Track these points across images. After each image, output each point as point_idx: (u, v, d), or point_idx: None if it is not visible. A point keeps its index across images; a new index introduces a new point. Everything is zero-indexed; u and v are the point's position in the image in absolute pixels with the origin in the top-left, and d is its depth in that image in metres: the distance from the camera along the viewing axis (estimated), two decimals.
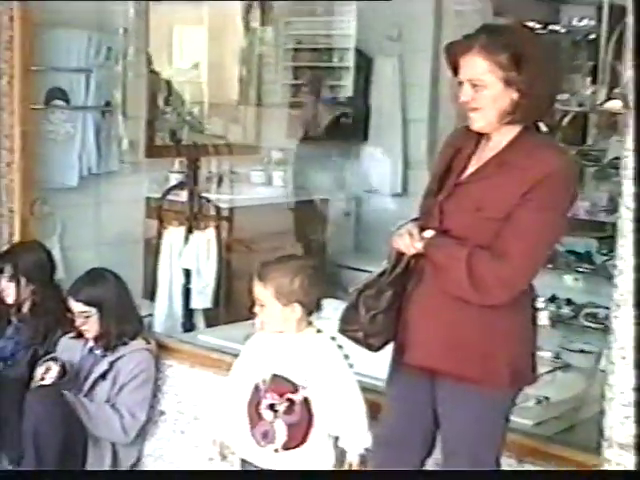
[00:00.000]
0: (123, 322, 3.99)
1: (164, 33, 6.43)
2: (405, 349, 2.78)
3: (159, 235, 4.81)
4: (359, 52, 6.52)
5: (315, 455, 3.01)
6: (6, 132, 4.56)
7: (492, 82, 2.61)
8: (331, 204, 6.10)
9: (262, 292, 2.99)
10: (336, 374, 2.98)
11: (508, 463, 3.08)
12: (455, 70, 2.71)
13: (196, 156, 5.54)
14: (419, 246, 2.69)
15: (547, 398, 3.59)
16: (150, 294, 4.78)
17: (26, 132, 4.60)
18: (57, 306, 4.21)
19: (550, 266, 4.88)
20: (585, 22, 5.83)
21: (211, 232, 4.74)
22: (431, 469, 2.90)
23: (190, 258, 4.67)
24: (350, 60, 6.62)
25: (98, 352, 4.02)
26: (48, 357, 4.00)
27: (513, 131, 2.68)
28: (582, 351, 4.36)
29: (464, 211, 2.67)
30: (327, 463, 3.02)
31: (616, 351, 2.64)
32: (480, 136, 2.74)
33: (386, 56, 6.40)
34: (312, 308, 3.06)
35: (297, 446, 2.98)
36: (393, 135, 6.39)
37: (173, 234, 4.74)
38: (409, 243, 2.70)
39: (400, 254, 2.73)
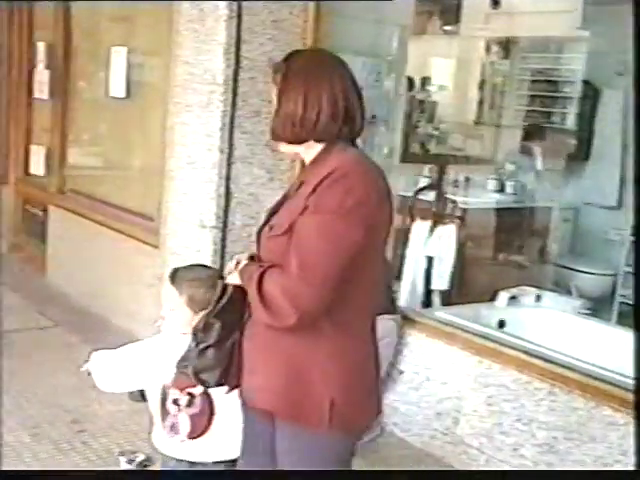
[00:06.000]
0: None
1: (420, 62, 6.48)
2: (239, 387, 2.30)
3: (408, 227, 4.83)
4: (588, 83, 6.28)
5: (218, 444, 2.60)
6: None
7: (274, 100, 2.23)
8: (553, 212, 5.94)
9: (175, 297, 2.55)
10: None
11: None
12: None
13: (440, 164, 5.55)
14: (230, 275, 2.25)
15: None
16: (397, 275, 4.81)
17: None
18: None
19: None
20: None
21: (452, 227, 4.71)
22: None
23: (433, 247, 4.66)
24: (577, 91, 6.40)
25: None
26: None
27: (315, 151, 2.21)
28: None
29: (264, 235, 2.22)
30: (230, 452, 2.55)
31: None
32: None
33: (613, 89, 6.15)
34: None
35: (199, 436, 2.57)
36: (612, 156, 6.13)
37: (420, 227, 4.74)
38: (226, 272, 2.28)
39: (225, 285, 2.25)
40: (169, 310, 2.58)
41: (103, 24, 6.24)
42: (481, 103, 6.91)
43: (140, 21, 5.72)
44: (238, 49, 4.46)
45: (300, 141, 2.20)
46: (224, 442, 2.57)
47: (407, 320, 4.20)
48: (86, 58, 6.45)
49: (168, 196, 4.89)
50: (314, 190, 2.06)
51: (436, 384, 4.01)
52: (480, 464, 3.77)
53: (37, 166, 6.84)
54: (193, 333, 2.30)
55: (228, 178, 4.57)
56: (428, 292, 4.73)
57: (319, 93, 2.15)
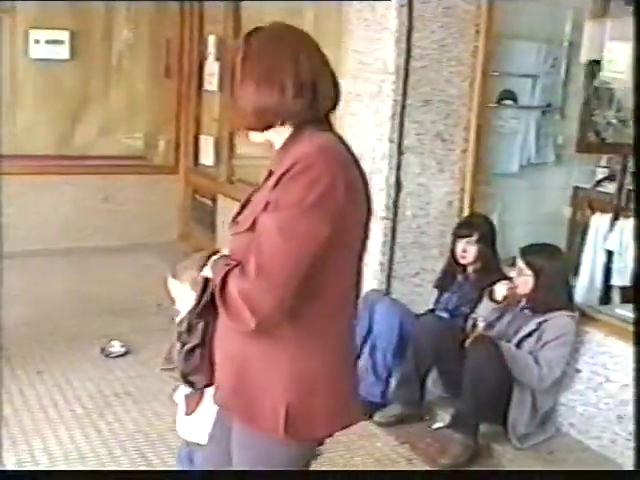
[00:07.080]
0: (552, 293, 3.90)
1: (597, 46, 6.22)
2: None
3: (586, 220, 4.67)
4: None
5: (198, 423, 2.59)
6: (464, 125, 4.63)
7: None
8: None
9: (179, 288, 2.61)
10: None
11: None
12: None
13: (619, 154, 5.32)
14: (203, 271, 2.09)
15: None
16: (573, 269, 4.65)
17: (480, 125, 4.65)
18: (496, 270, 4.23)
19: None
20: None
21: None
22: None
23: (614, 242, 4.47)
24: None
25: (527, 312, 3.99)
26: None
27: (285, 136, 2.02)
28: None
29: (232, 229, 2.06)
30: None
31: None
32: None
33: None
34: None
35: (189, 414, 2.61)
36: None
37: (599, 220, 4.58)
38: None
39: (207, 280, 2.08)
40: (180, 302, 2.61)
41: (272, 17, 6.34)
42: None
43: (309, 12, 5.78)
44: (409, 37, 4.43)
45: (264, 127, 2.02)
46: (201, 424, 2.57)
47: (585, 317, 4.04)
48: None
49: None
50: (276, 184, 1.89)
51: (616, 385, 3.83)
52: None
53: (206, 156, 7.06)
54: (177, 334, 2.21)
55: (398, 168, 4.55)
56: (607, 288, 4.55)
57: (280, 73, 1.96)
